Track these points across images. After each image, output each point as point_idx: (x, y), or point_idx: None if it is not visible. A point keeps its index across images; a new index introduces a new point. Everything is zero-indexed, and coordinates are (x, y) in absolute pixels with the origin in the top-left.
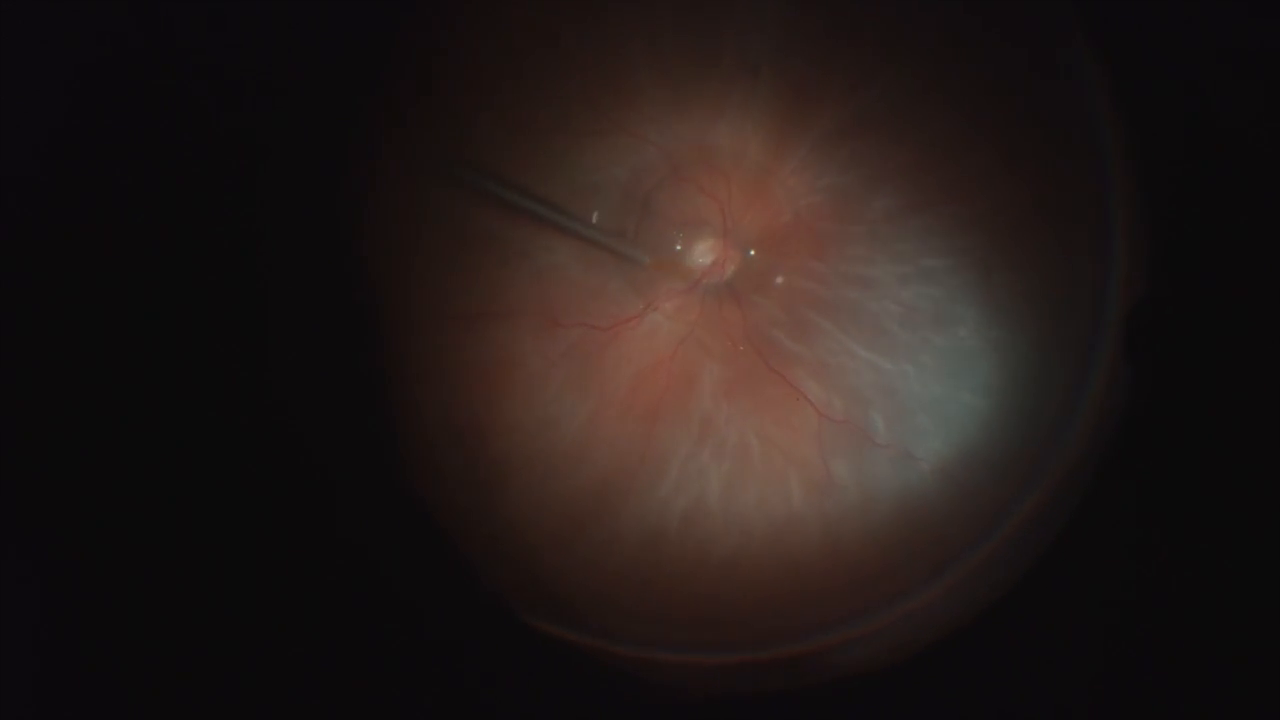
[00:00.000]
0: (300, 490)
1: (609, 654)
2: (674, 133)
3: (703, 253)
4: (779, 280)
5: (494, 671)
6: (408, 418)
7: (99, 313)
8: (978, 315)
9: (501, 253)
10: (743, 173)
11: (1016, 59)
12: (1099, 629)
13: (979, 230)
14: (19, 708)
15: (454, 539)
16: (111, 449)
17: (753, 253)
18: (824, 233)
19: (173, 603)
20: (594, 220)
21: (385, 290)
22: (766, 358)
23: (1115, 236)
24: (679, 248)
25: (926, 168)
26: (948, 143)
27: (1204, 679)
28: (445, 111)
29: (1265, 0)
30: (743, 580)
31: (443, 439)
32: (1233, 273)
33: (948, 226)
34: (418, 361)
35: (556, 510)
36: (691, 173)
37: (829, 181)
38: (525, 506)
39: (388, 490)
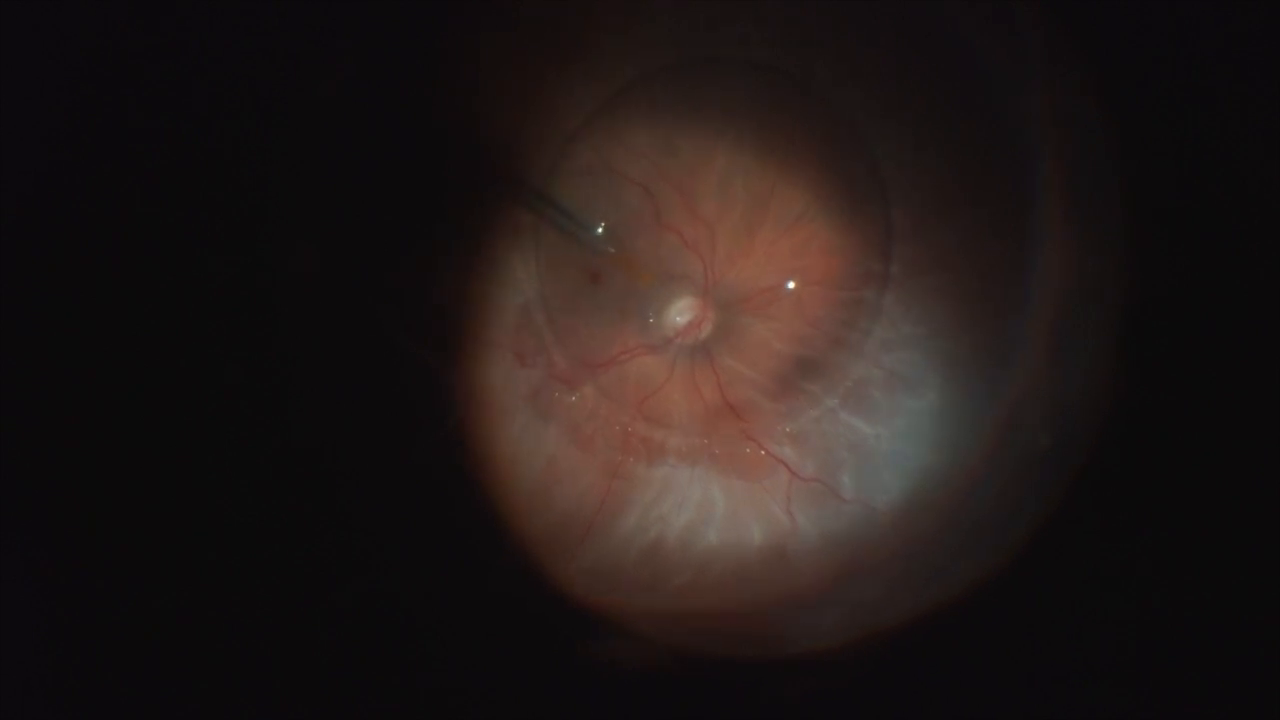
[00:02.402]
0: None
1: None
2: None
3: (680, 311)
4: (761, 341)
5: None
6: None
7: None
8: (944, 378)
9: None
10: (729, 228)
11: (1002, 130)
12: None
13: (951, 299)
14: (19, 708)
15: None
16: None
17: (732, 312)
18: (811, 296)
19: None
20: (599, 230)
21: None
22: (742, 419)
23: (1074, 302)
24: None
25: (913, 237)
26: (936, 212)
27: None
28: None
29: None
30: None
31: None
32: (1230, 275)
33: (926, 295)
34: None
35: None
36: (675, 221)
37: (820, 244)
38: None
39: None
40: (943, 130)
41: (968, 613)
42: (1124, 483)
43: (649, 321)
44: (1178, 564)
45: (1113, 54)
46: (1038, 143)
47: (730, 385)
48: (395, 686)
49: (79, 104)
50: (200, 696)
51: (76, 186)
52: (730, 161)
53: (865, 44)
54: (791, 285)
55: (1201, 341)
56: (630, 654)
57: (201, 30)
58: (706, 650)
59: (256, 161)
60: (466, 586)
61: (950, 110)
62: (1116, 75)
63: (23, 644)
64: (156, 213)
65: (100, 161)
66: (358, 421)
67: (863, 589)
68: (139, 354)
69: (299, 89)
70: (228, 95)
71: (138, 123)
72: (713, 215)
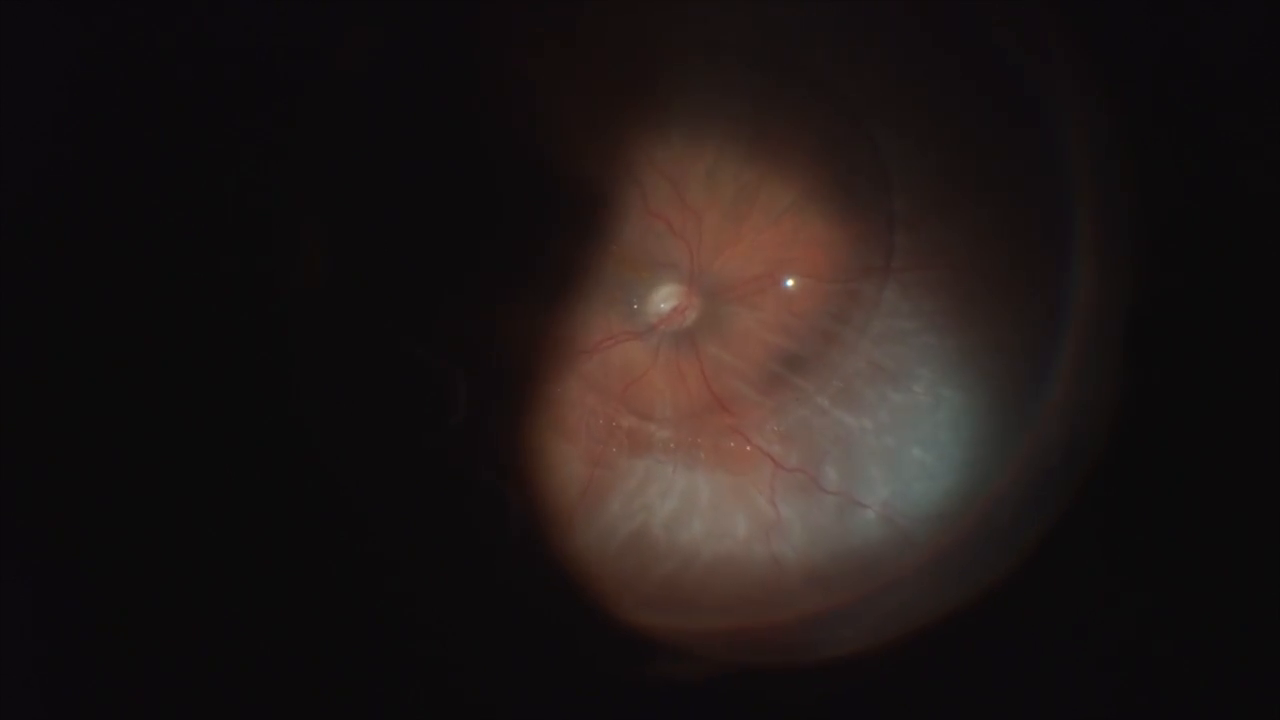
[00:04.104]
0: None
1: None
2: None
3: (665, 297)
4: (747, 331)
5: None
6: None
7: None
8: (932, 374)
9: None
10: (716, 215)
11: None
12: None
13: (945, 293)
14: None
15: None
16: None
17: (717, 301)
18: (799, 288)
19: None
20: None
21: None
22: (727, 413)
23: (1075, 305)
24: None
25: (915, 232)
26: (932, 204)
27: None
28: None
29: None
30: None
31: None
32: (1231, 276)
33: (918, 290)
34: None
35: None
36: (662, 208)
37: (811, 236)
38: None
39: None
40: (948, 128)
41: (979, 616)
42: (1130, 485)
43: (633, 307)
44: (1184, 566)
45: (1122, 55)
46: (1045, 144)
47: (715, 375)
48: (399, 686)
49: (81, 99)
50: (203, 698)
51: (78, 184)
52: (721, 151)
53: (868, 40)
54: (790, 283)
55: (1207, 345)
56: (637, 658)
57: (208, 23)
58: (723, 655)
59: (264, 158)
60: (470, 586)
61: (956, 108)
62: (1124, 76)
63: (23, 644)
64: (161, 211)
65: (102, 159)
66: (363, 420)
67: (883, 599)
68: (143, 354)
69: (312, 83)
70: (237, 89)
71: (142, 120)
72: (700, 203)
